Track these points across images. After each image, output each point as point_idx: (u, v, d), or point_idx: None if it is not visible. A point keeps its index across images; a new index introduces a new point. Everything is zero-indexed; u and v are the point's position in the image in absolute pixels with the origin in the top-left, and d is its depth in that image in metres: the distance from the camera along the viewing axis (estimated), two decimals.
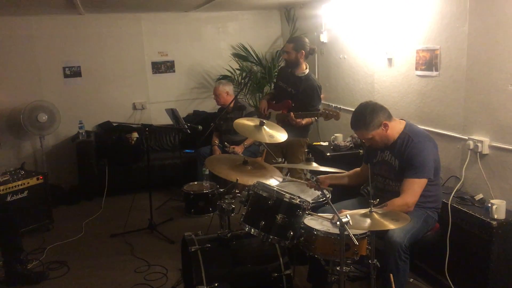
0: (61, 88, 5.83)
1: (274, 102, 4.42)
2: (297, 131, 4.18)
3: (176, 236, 4.20)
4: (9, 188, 4.13)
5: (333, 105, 3.85)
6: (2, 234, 3.55)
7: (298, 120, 4.02)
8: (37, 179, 4.42)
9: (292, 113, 4.00)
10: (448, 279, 2.98)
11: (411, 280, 3.04)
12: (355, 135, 4.47)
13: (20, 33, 5.58)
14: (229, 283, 2.66)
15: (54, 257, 3.98)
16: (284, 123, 4.17)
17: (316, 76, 5.30)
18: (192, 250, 2.65)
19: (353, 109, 4.78)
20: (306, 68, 4.24)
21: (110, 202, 5.28)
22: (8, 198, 4.14)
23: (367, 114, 2.80)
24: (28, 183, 4.32)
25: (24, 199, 4.29)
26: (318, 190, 3.06)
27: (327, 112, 3.88)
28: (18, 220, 3.69)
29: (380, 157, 3.00)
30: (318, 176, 3.14)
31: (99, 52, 5.94)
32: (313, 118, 4.16)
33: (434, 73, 3.61)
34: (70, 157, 5.72)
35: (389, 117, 2.86)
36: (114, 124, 5.86)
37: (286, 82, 4.31)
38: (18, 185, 4.22)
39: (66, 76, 5.85)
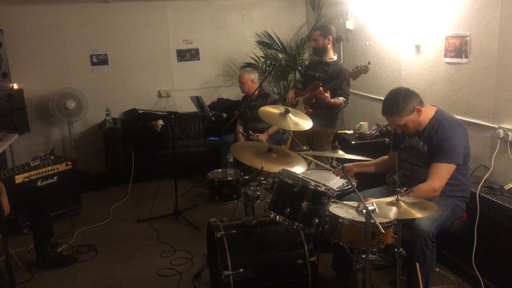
0: (88, 76, 5.92)
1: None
2: (324, 120, 4.19)
3: (201, 222, 4.26)
4: (40, 173, 4.26)
5: (359, 63, 3.85)
6: (34, 218, 3.66)
7: (326, 94, 4.02)
8: (66, 165, 4.53)
9: (321, 87, 4.02)
10: (476, 270, 2.94)
11: (437, 269, 3.02)
12: (381, 123, 4.44)
13: (48, 22, 5.67)
14: (254, 269, 2.68)
15: (83, 241, 4.08)
16: (312, 105, 4.18)
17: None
18: (218, 236, 2.68)
19: (379, 97, 4.79)
20: (334, 55, 4.33)
21: (136, 188, 5.36)
22: (39, 183, 4.27)
23: (400, 99, 2.76)
24: (57, 168, 4.44)
25: (54, 184, 4.41)
26: (344, 178, 3.05)
27: (355, 70, 3.90)
28: (48, 204, 3.78)
29: (408, 143, 2.96)
30: (345, 164, 3.13)
31: (125, 40, 6.00)
32: (341, 100, 4.17)
33: (464, 60, 3.53)
34: (98, 144, 5.83)
35: (421, 102, 2.82)
36: (140, 112, 5.92)
37: (314, 69, 4.40)
38: (48, 171, 4.34)
39: (93, 64, 5.93)
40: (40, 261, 3.63)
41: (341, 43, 5.42)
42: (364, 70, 3.85)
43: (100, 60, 5.95)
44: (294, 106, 4.40)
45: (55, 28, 5.71)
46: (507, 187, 3.04)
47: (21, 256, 3.76)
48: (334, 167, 3.30)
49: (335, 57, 4.33)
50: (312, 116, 3.51)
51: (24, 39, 5.60)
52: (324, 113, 4.23)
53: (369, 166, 3.22)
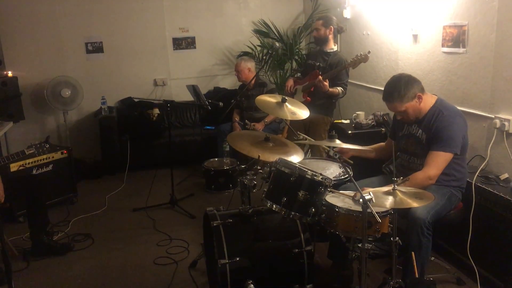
0: (83, 64, 5.88)
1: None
2: (321, 108, 4.20)
3: (197, 211, 4.26)
4: (35, 161, 4.24)
5: (359, 52, 3.88)
6: (29, 207, 3.65)
7: (325, 83, 4.02)
8: (62, 153, 4.52)
9: (320, 76, 4.03)
10: (470, 259, 2.96)
11: (433, 258, 3.03)
12: (378, 113, 4.44)
13: (43, 9, 5.60)
14: (250, 257, 2.68)
15: (78, 229, 4.08)
16: (310, 94, 4.20)
17: None
18: (214, 225, 2.68)
19: (376, 87, 4.79)
20: (335, 45, 4.37)
21: (132, 177, 5.36)
22: (34, 171, 4.25)
23: (402, 85, 2.76)
24: (53, 157, 4.42)
25: (49, 173, 4.39)
26: (339, 162, 3.04)
27: (354, 59, 3.92)
28: (44, 193, 3.77)
29: (407, 131, 2.96)
30: (340, 147, 3.12)
31: (121, 28, 5.94)
32: (339, 90, 4.17)
33: (461, 49, 3.52)
34: (93, 132, 5.81)
35: (423, 89, 2.81)
36: (136, 100, 5.89)
37: (314, 59, 4.42)
38: (43, 159, 4.32)
39: (88, 51, 5.88)
40: (36, 250, 3.62)
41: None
42: (364, 59, 3.86)
43: (96, 48, 5.90)
44: (293, 94, 4.41)
45: (50, 15, 5.65)
46: (502, 177, 3.05)
47: (16, 244, 3.75)
48: (330, 156, 3.29)
49: (335, 48, 4.37)
50: (309, 104, 3.51)
51: (19, 26, 5.54)
52: (322, 102, 4.24)
53: (366, 151, 3.22)
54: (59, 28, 5.71)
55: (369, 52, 3.86)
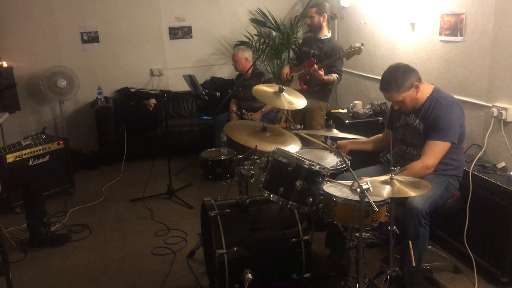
0: (79, 54, 5.83)
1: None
2: (317, 94, 4.23)
3: (194, 201, 4.27)
4: (31, 152, 4.22)
5: (353, 44, 3.86)
6: (26, 198, 3.64)
7: (321, 72, 4.07)
8: (58, 144, 4.50)
9: (315, 65, 4.07)
10: (467, 247, 2.97)
11: (429, 247, 3.05)
12: (375, 102, 4.43)
13: None
14: (248, 247, 2.69)
15: (76, 220, 4.08)
16: (306, 82, 4.22)
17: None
18: (212, 215, 2.68)
19: (374, 76, 4.78)
20: (329, 32, 4.43)
21: (129, 168, 5.35)
22: (31, 162, 4.23)
23: (399, 75, 2.75)
24: (49, 147, 4.40)
25: (46, 164, 4.38)
26: (338, 156, 3.04)
27: (348, 51, 3.93)
28: (40, 183, 3.76)
29: (404, 121, 2.96)
30: (339, 141, 3.12)
31: (116, 18, 5.89)
32: (334, 77, 4.19)
33: (459, 38, 3.51)
34: (90, 123, 5.79)
35: (420, 79, 2.81)
36: (132, 90, 5.85)
37: (309, 46, 4.46)
38: (40, 150, 4.30)
39: (84, 41, 5.83)
40: (33, 240, 3.62)
41: (336, 21, 5.38)
42: (357, 51, 3.85)
43: (91, 38, 5.86)
44: (289, 81, 4.42)
45: (45, 5, 5.59)
46: (499, 165, 3.06)
47: (14, 235, 3.75)
48: (327, 145, 3.30)
49: (329, 34, 4.41)
50: (305, 92, 3.52)
51: (14, 16, 5.48)
52: (317, 89, 4.27)
53: (364, 143, 3.22)
54: (54, 17, 5.66)
55: (362, 44, 3.85)
